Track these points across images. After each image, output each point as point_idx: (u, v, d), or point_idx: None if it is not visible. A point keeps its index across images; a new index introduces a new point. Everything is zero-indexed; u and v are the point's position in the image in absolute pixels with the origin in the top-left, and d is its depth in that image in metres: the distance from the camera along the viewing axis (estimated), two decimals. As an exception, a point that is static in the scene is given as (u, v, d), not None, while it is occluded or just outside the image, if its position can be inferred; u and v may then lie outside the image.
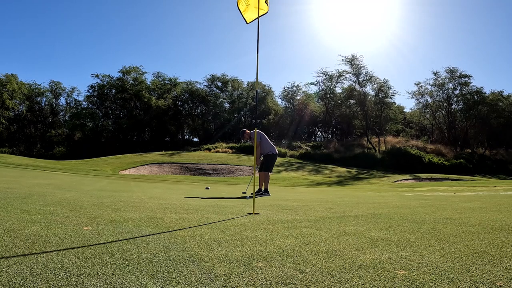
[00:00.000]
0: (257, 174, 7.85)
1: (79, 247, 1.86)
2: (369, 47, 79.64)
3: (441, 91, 49.91)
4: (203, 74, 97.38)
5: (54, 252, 1.71)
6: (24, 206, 3.41)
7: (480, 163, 41.17)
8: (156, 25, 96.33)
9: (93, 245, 1.92)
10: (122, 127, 50.42)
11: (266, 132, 57.10)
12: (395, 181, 26.27)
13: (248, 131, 8.24)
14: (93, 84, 51.81)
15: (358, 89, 47.85)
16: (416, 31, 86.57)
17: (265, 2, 4.38)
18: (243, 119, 55.08)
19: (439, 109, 51.61)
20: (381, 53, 77.95)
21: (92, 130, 49.84)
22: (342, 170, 33.45)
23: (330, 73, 50.05)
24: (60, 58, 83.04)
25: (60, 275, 1.38)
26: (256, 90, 4.82)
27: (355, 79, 47.75)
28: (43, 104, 53.44)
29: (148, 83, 52.85)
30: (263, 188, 8.11)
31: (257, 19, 4.33)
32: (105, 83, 52.05)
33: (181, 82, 53.86)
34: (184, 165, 30.17)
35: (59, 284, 1.29)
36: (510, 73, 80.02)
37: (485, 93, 47.79)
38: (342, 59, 48.46)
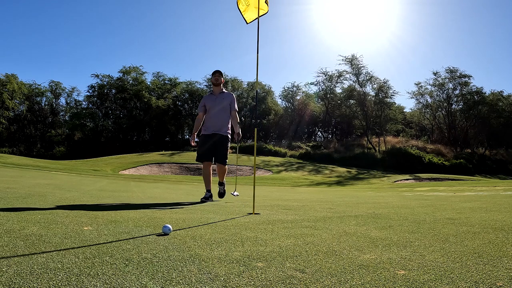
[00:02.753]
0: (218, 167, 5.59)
1: (79, 247, 1.86)
2: (369, 47, 79.73)
3: (441, 91, 49.95)
4: (203, 74, 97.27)
5: (54, 252, 1.71)
6: (24, 206, 3.41)
7: (480, 163, 41.18)
8: (156, 25, 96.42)
9: (93, 245, 1.92)
10: (122, 127, 50.42)
11: (266, 132, 57.32)
12: (395, 181, 26.27)
13: (222, 80, 5.74)
14: (93, 84, 51.87)
15: (358, 89, 47.89)
16: (416, 31, 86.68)
17: (265, 2, 4.38)
18: (243, 119, 55.08)
19: (439, 109, 51.62)
20: (381, 53, 78.02)
21: (92, 130, 49.82)
22: (342, 170, 33.45)
23: (330, 73, 50.12)
24: (60, 58, 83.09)
25: (60, 275, 1.38)
26: (256, 90, 4.82)
27: (355, 79, 47.80)
28: (43, 104, 53.46)
29: (148, 83, 52.84)
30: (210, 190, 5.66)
31: (257, 19, 4.33)
32: (105, 83, 52.06)
33: (181, 82, 53.89)
34: (184, 165, 30.18)
35: (59, 284, 1.29)
36: (510, 73, 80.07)
37: (485, 93, 47.86)
38: (342, 59, 48.59)
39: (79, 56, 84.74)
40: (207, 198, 5.49)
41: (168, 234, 2.30)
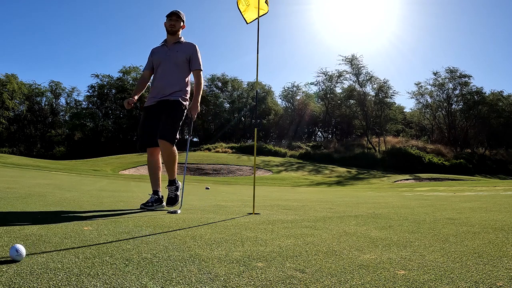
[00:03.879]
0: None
1: (79, 247, 1.86)
2: (369, 47, 79.70)
3: (441, 91, 49.99)
4: (203, 74, 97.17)
5: (54, 252, 1.71)
6: (24, 206, 3.41)
7: (480, 163, 41.21)
8: (156, 25, 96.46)
9: (93, 245, 1.92)
10: (122, 127, 50.43)
11: (266, 132, 57.34)
12: (395, 181, 26.28)
13: (182, 26, 4.01)
14: (93, 84, 51.92)
15: (358, 89, 47.94)
16: (416, 31, 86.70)
17: (265, 2, 4.38)
18: (243, 119, 55.08)
19: (439, 109, 51.65)
20: (381, 53, 78.02)
21: (92, 130, 49.84)
22: (342, 170, 33.46)
23: (330, 73, 50.14)
24: (60, 57, 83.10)
25: (60, 275, 1.38)
26: (256, 90, 4.82)
27: (355, 79, 47.83)
28: (43, 104, 53.50)
29: (148, 83, 52.82)
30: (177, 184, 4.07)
31: (257, 19, 4.33)
32: (105, 83, 52.11)
33: (181, 82, 53.84)
34: (184, 165, 30.17)
35: (59, 284, 1.29)
36: (510, 73, 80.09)
37: (485, 93, 47.92)
38: (342, 59, 48.64)
39: (79, 56, 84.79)
40: (152, 203, 3.82)
41: (19, 261, 1.52)
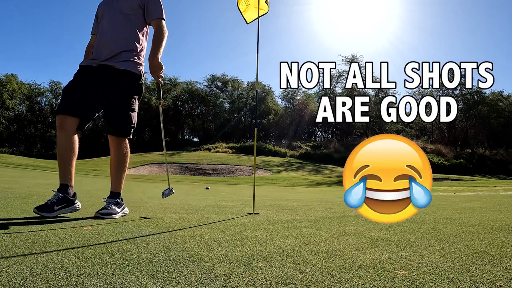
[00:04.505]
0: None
1: (79, 247, 1.86)
2: (369, 47, 79.65)
3: (441, 91, 49.96)
4: (203, 74, 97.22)
5: (54, 252, 1.71)
6: (24, 206, 3.41)
7: (480, 163, 41.21)
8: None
9: (93, 245, 1.92)
10: (122, 127, 50.41)
11: (266, 132, 57.31)
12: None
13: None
14: (93, 84, 51.86)
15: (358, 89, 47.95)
16: (416, 31, 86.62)
17: (265, 2, 4.38)
18: (243, 119, 55.08)
19: (439, 109, 51.61)
20: (381, 53, 77.95)
21: (92, 130, 49.83)
22: (342, 170, 33.40)
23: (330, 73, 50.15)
24: (61, 57, 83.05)
25: (60, 275, 1.38)
26: (256, 90, 4.82)
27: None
28: (43, 104, 53.50)
29: (148, 83, 52.84)
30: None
31: (257, 19, 4.33)
32: (105, 83, 52.11)
33: (181, 82, 53.93)
34: (184, 165, 30.18)
35: (59, 284, 1.29)
36: (510, 73, 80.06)
37: (485, 93, 47.89)
38: (342, 59, 48.64)
39: (79, 56, 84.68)
40: (53, 204, 2.70)
41: None
